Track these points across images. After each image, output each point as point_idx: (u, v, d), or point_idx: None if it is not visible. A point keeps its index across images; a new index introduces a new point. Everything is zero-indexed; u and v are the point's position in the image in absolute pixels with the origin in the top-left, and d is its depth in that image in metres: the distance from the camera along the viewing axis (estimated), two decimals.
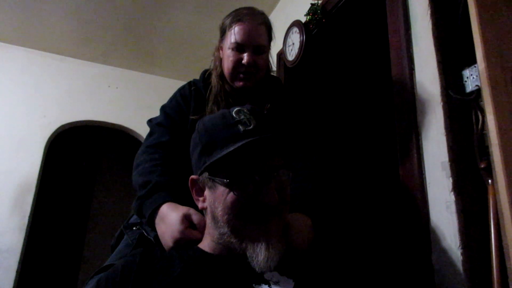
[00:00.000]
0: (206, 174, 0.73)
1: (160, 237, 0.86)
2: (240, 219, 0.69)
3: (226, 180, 0.69)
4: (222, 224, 0.70)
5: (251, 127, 0.71)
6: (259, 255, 0.66)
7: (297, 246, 0.81)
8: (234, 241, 0.69)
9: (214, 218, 0.72)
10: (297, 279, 0.69)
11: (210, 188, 0.73)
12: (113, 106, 3.20)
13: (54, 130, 2.95)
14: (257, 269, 0.66)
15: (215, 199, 0.71)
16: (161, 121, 1.12)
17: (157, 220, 0.88)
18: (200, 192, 0.77)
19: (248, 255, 0.67)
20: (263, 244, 0.66)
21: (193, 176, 0.78)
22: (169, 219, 0.84)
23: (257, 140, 0.67)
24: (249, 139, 0.67)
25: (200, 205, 0.78)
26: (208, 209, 0.75)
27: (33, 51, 3.05)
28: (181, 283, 0.67)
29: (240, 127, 0.71)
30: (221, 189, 0.70)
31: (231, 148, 0.67)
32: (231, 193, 0.68)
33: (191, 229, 0.82)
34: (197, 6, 2.54)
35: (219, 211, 0.70)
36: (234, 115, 0.73)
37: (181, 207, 0.86)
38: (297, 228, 0.83)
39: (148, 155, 1.03)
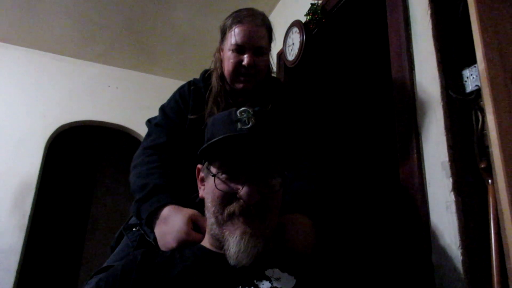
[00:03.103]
0: (206, 164, 0.78)
1: (160, 238, 0.86)
2: (223, 212, 0.71)
3: (212, 174, 0.73)
4: (210, 215, 0.74)
5: (249, 125, 0.73)
6: (231, 248, 0.68)
7: (298, 247, 0.81)
8: (218, 232, 0.72)
9: (207, 208, 0.77)
10: (298, 277, 0.69)
11: (206, 177, 0.78)
12: (113, 106, 3.20)
13: (54, 130, 2.94)
14: (230, 262, 0.68)
15: (207, 189, 0.76)
16: (159, 121, 1.12)
17: (158, 222, 0.88)
18: (203, 181, 0.82)
19: (225, 247, 0.70)
20: (237, 238, 0.69)
21: (198, 165, 0.83)
22: (173, 220, 0.85)
23: (243, 135, 0.71)
24: (232, 133, 0.71)
25: (200, 192, 0.82)
26: (205, 199, 0.79)
27: (33, 51, 3.05)
28: (182, 280, 0.67)
29: (239, 124, 0.74)
30: (211, 181, 0.74)
31: (211, 140, 0.71)
32: (215, 186, 0.72)
33: (194, 231, 0.83)
34: (197, 6, 2.54)
35: (209, 202, 0.75)
36: (237, 114, 0.76)
37: (185, 209, 0.87)
38: (294, 229, 0.84)
39: (145, 157, 1.03)
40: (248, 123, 0.74)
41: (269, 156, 0.74)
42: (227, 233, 0.70)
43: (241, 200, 0.70)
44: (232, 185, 0.71)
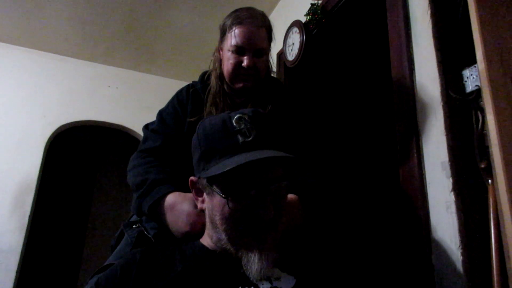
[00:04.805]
0: (204, 180, 0.73)
1: (171, 225, 0.86)
2: (236, 230, 0.69)
3: (222, 194, 0.69)
4: (220, 231, 0.71)
5: (250, 138, 0.70)
6: (252, 265, 0.66)
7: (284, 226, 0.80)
8: (231, 248, 0.70)
9: (212, 223, 0.73)
10: (298, 276, 0.69)
11: (208, 194, 0.74)
12: (113, 106, 3.20)
13: (54, 130, 2.94)
14: (250, 278, 0.67)
15: (213, 206, 0.72)
16: (156, 127, 1.12)
17: (164, 211, 0.88)
18: (200, 193, 0.78)
19: (243, 264, 0.68)
20: (257, 255, 0.67)
21: (192, 178, 0.78)
22: (181, 205, 0.85)
23: (254, 159, 0.66)
24: (244, 158, 0.65)
25: (199, 205, 0.79)
26: (207, 213, 0.76)
27: (33, 51, 3.05)
28: (183, 280, 0.67)
29: (240, 137, 0.70)
30: (218, 199, 0.70)
31: (226, 168, 0.65)
32: (227, 206, 0.68)
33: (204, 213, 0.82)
34: (197, 6, 2.54)
35: (218, 220, 0.71)
36: (234, 123, 0.72)
37: (189, 194, 0.87)
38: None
39: (141, 159, 1.04)
40: (250, 135, 0.70)
41: (276, 166, 0.71)
42: (243, 249, 0.68)
43: (255, 216, 0.67)
44: (243, 202, 0.68)
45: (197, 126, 0.79)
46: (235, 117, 0.73)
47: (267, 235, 0.68)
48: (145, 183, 0.93)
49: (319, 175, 1.00)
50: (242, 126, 0.71)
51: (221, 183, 0.70)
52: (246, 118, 0.72)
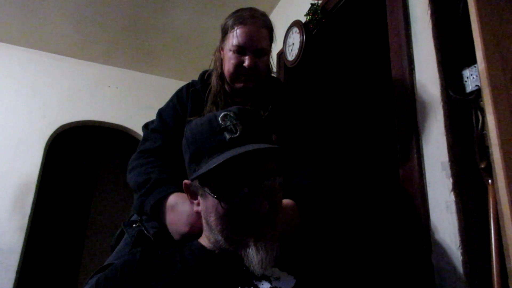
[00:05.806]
0: (196, 182, 0.73)
1: (171, 226, 0.86)
2: (232, 229, 0.69)
3: (214, 195, 0.68)
4: (216, 232, 0.71)
5: (237, 134, 0.69)
6: (253, 260, 0.66)
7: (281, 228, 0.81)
8: (229, 247, 0.70)
9: (208, 225, 0.73)
10: (298, 276, 0.69)
11: (201, 196, 0.74)
12: (113, 106, 3.20)
13: (54, 130, 2.95)
14: (256, 274, 0.67)
15: (207, 208, 0.72)
16: (156, 127, 1.12)
17: (166, 211, 0.88)
18: (194, 195, 0.78)
19: (244, 261, 0.68)
20: (253, 247, 0.67)
21: (186, 181, 0.78)
22: (181, 207, 0.85)
23: (241, 153, 0.65)
24: (231, 154, 0.65)
25: (195, 208, 0.78)
26: (202, 214, 0.75)
27: (33, 51, 3.05)
28: (182, 280, 0.67)
29: (226, 134, 0.69)
30: (211, 200, 0.70)
31: (213, 165, 0.65)
32: (220, 206, 0.68)
33: None
34: (197, 6, 2.54)
35: (212, 221, 0.70)
36: (220, 121, 0.71)
37: None
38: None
39: (143, 159, 1.04)
40: (236, 131, 0.69)
41: (266, 160, 0.70)
42: (241, 247, 0.68)
43: (250, 213, 0.67)
44: (236, 200, 0.67)
45: (185, 129, 0.78)
46: (221, 115, 0.72)
47: (263, 228, 0.68)
48: (148, 183, 0.93)
49: (316, 176, 1.00)
50: (228, 123, 0.71)
51: (213, 183, 0.69)
52: (232, 114, 0.72)
